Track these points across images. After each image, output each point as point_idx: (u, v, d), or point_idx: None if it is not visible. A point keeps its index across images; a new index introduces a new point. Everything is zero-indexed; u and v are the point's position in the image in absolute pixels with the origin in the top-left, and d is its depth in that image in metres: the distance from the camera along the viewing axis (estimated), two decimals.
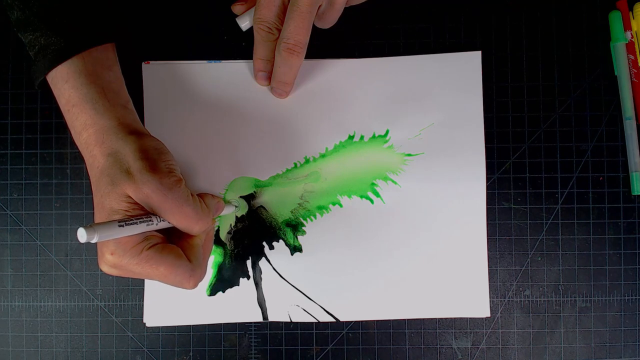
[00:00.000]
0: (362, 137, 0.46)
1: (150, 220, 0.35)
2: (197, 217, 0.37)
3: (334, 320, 0.46)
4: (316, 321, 0.46)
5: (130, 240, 0.35)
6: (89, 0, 0.40)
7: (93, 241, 0.31)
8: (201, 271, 0.38)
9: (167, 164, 0.37)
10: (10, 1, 0.39)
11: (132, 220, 0.34)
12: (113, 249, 0.35)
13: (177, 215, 0.36)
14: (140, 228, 0.35)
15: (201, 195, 0.40)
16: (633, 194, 0.46)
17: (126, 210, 0.35)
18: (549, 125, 0.47)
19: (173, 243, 0.38)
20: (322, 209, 0.46)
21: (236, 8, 0.45)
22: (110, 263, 0.35)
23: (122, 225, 0.33)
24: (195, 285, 0.37)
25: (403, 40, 0.47)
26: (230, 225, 0.46)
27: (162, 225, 0.36)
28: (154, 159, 0.36)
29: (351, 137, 0.46)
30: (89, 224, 0.32)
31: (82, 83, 0.38)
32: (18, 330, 0.46)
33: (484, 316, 0.46)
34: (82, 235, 0.31)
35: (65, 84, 0.38)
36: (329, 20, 0.42)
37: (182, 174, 0.38)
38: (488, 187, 0.46)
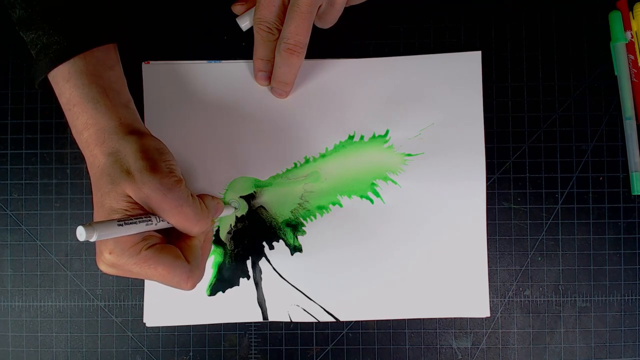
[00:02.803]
0: (362, 137, 0.46)
1: (149, 220, 0.35)
2: (196, 218, 0.37)
3: (334, 320, 0.46)
4: (316, 321, 0.46)
5: (129, 240, 0.35)
6: (91, 0, 0.40)
7: (92, 240, 0.31)
8: (199, 272, 0.38)
9: (168, 164, 0.37)
10: None
11: (131, 219, 0.34)
12: (112, 248, 0.35)
13: (177, 215, 0.36)
14: (140, 228, 0.34)
15: (201, 196, 0.40)
16: (633, 194, 0.46)
17: (125, 210, 0.35)
18: (549, 125, 0.47)
19: (171, 244, 0.38)
20: (322, 209, 0.46)
21: (236, 8, 0.45)
22: (109, 262, 0.35)
23: (122, 225, 0.33)
24: (193, 287, 0.37)
25: (403, 40, 0.47)
26: (230, 225, 0.46)
27: (162, 225, 0.36)
28: (155, 159, 0.36)
29: (351, 137, 0.46)
30: (88, 222, 0.32)
31: (83, 83, 0.38)
32: (18, 330, 0.46)
33: (484, 316, 0.46)
34: (81, 233, 0.31)
35: (67, 83, 0.38)
36: (329, 20, 0.42)
37: (182, 174, 0.38)
38: (488, 187, 0.46)
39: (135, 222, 0.34)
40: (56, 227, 0.46)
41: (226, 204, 0.45)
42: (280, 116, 0.46)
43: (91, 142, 0.37)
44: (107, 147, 0.36)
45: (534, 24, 0.47)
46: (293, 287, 0.46)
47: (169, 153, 0.38)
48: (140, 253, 0.35)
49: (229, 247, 0.46)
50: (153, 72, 0.46)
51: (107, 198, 0.35)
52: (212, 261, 0.46)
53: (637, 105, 0.46)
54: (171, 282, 0.36)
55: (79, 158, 0.46)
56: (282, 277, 0.46)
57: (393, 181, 0.46)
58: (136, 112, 0.40)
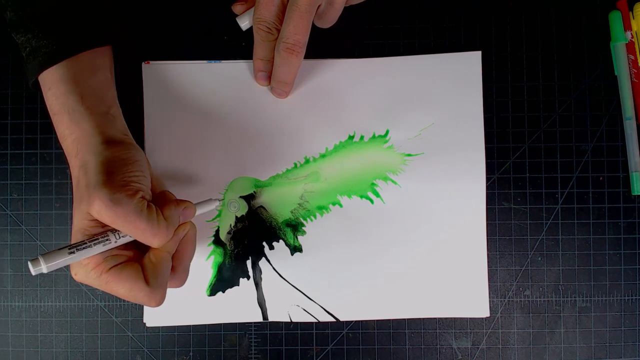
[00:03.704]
0: (362, 137, 0.46)
1: (107, 240, 0.34)
2: (152, 231, 0.34)
3: (334, 320, 0.46)
4: (316, 321, 0.46)
5: (92, 261, 0.34)
6: (81, 4, 0.39)
7: (44, 272, 0.30)
8: (162, 292, 0.36)
9: (125, 176, 0.35)
10: (4, 2, 0.39)
11: (84, 243, 0.33)
12: (76, 270, 0.34)
13: (132, 231, 0.34)
14: (95, 250, 0.33)
15: (164, 205, 0.37)
16: (633, 194, 0.46)
17: (85, 229, 0.34)
18: (549, 125, 0.47)
19: (145, 253, 0.36)
20: (322, 209, 0.46)
21: (236, 8, 0.45)
22: (78, 281, 0.35)
23: (73, 252, 0.32)
24: (158, 305, 0.36)
25: (403, 40, 0.47)
26: (230, 225, 0.46)
27: (123, 240, 0.35)
28: (112, 172, 0.34)
29: (351, 137, 0.46)
30: (39, 254, 0.31)
31: (62, 92, 0.37)
32: (18, 330, 0.46)
33: (483, 316, 0.46)
34: (30, 268, 0.30)
35: (49, 91, 0.38)
36: (329, 20, 0.42)
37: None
38: (488, 187, 0.46)
39: (89, 246, 0.33)
40: (56, 227, 0.46)
41: (199, 203, 0.40)
42: (280, 116, 0.46)
43: (70, 153, 0.37)
44: (79, 159, 0.36)
45: (534, 24, 0.47)
46: (293, 287, 0.46)
47: (136, 163, 0.36)
48: (101, 276, 0.34)
49: (229, 247, 0.46)
50: (153, 72, 0.46)
51: (75, 216, 0.35)
52: (212, 261, 0.46)
53: (637, 105, 0.46)
54: (135, 302, 0.35)
55: None
56: (282, 277, 0.46)
57: (393, 181, 0.46)
58: (117, 117, 0.39)
